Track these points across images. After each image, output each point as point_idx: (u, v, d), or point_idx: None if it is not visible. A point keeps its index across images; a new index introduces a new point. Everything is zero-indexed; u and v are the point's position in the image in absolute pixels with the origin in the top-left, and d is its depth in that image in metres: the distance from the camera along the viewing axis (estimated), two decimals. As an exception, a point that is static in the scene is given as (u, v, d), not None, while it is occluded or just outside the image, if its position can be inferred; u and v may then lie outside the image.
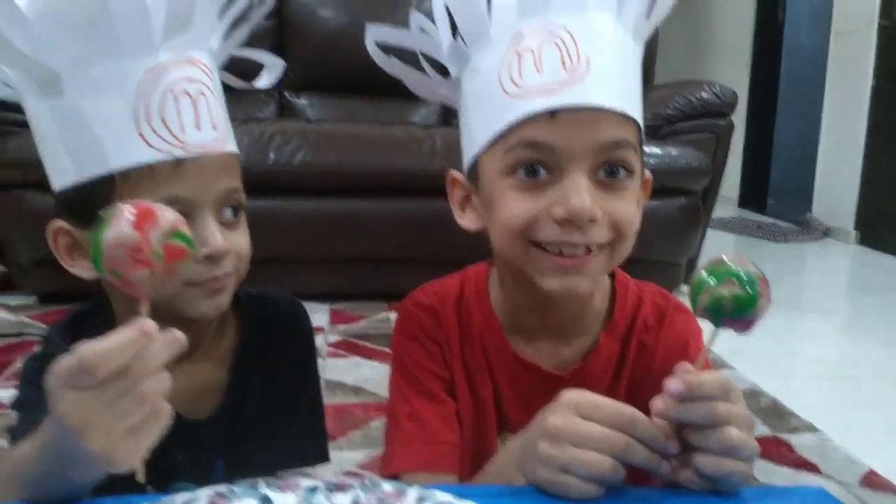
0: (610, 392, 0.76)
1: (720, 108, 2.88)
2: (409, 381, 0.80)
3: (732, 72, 5.40)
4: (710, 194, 2.89)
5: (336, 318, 2.53)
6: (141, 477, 0.52)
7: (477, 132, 0.72)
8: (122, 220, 0.50)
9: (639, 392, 0.77)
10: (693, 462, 0.57)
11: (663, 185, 2.68)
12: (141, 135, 0.67)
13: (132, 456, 0.50)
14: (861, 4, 4.28)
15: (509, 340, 0.80)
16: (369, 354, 2.20)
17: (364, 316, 2.58)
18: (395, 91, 3.50)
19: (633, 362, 0.78)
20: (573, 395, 0.60)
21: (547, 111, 0.66)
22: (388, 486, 0.55)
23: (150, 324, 0.49)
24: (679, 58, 5.34)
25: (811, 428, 1.80)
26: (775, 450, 1.69)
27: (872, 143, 4.23)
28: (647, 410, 0.58)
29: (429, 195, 2.62)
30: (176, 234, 0.52)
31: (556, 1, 0.68)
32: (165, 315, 0.72)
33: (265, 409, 0.82)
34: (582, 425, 0.57)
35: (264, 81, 0.87)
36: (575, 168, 0.67)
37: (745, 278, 0.56)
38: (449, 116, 3.45)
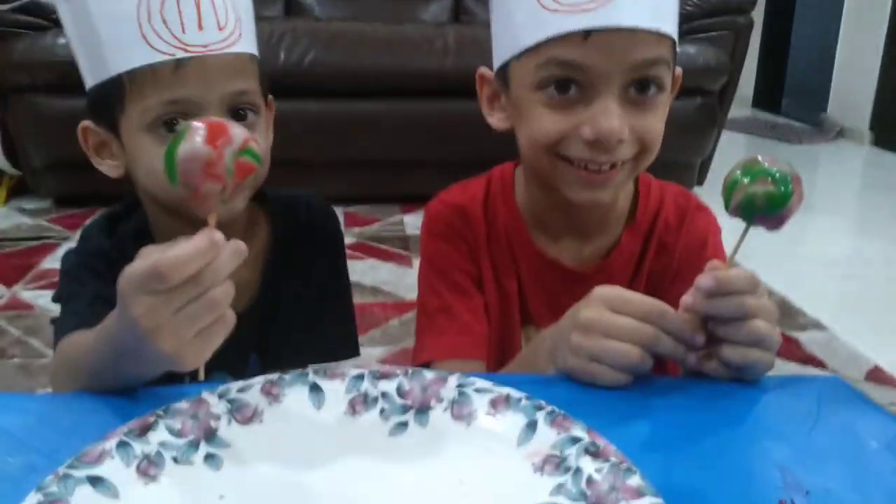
0: (629, 288, 0.78)
1: (740, 5, 2.81)
2: (439, 276, 0.83)
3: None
4: (726, 94, 2.85)
5: (350, 221, 2.56)
6: (201, 376, 0.55)
7: (510, 38, 0.71)
8: (195, 134, 0.51)
9: (657, 287, 0.79)
10: (720, 353, 0.59)
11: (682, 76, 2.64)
12: (143, 36, 0.68)
13: (198, 358, 0.52)
14: None
15: (533, 238, 0.81)
16: (386, 257, 2.23)
17: (378, 219, 2.60)
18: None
19: (653, 260, 0.81)
20: (605, 290, 0.62)
21: (581, 31, 0.66)
22: (429, 374, 0.58)
23: (218, 234, 0.50)
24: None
25: (818, 325, 1.85)
26: (783, 346, 1.72)
27: (891, 44, 4.12)
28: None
29: (441, 95, 2.60)
30: (246, 150, 0.52)
31: None
32: (184, 216, 0.74)
33: (297, 305, 0.85)
34: (613, 317, 0.59)
35: None
36: (606, 89, 0.67)
37: (778, 176, 0.56)
38: (460, 13, 3.36)
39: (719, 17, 2.78)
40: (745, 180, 0.57)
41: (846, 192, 3.48)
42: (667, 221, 0.81)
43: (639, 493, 0.44)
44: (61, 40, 2.44)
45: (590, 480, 0.47)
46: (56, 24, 2.56)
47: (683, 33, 2.77)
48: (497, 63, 0.75)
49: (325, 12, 3.08)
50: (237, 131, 0.52)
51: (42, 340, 1.68)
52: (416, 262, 2.17)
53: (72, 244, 2.39)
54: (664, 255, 0.80)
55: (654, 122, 0.70)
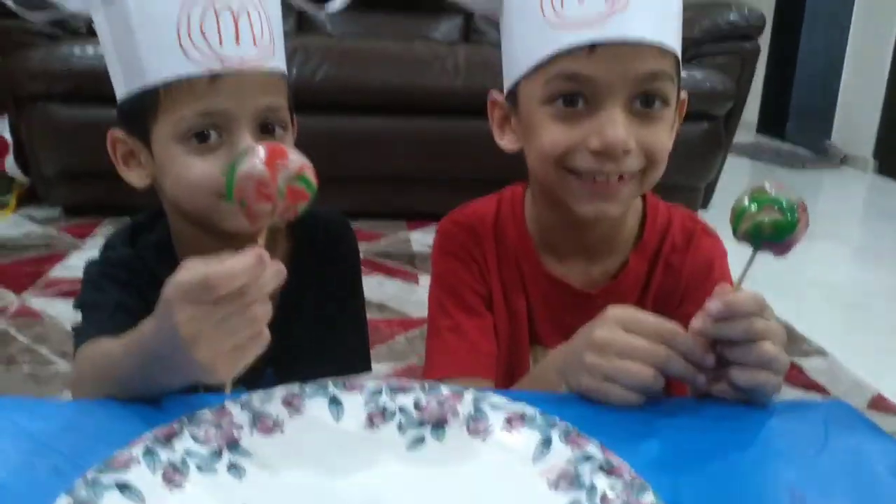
0: (637, 305, 0.80)
1: (747, 31, 2.84)
2: (450, 295, 0.84)
3: (759, -7, 5.27)
4: (732, 119, 2.87)
5: (357, 236, 2.57)
6: (227, 389, 0.57)
7: (518, 58, 0.74)
8: (255, 155, 0.53)
9: (664, 309, 0.80)
10: (729, 375, 0.61)
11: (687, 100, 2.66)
12: (181, 46, 0.69)
13: (231, 370, 0.54)
14: (897, -77, 4.14)
15: (542, 259, 0.83)
16: (392, 273, 2.25)
17: (384, 234, 2.62)
18: (416, 5, 3.48)
19: (660, 281, 0.82)
20: (618, 311, 0.63)
21: (587, 44, 0.68)
22: (446, 389, 0.59)
23: (265, 253, 0.52)
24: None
25: (821, 352, 1.86)
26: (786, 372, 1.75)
27: (897, 71, 4.16)
28: None
29: (451, 113, 2.63)
30: (301, 177, 0.54)
31: None
32: (208, 228, 0.76)
33: (314, 320, 0.86)
34: (627, 337, 0.61)
35: (336, 5, 0.88)
36: (612, 100, 0.69)
37: (784, 205, 0.58)
38: (470, 32, 3.40)
39: (726, 43, 2.81)
40: (753, 208, 0.58)
41: (850, 219, 3.50)
42: (674, 243, 0.82)
43: (651, 510, 0.46)
44: (77, 50, 2.47)
45: (604, 497, 0.48)
46: (73, 34, 2.60)
47: (691, 58, 2.81)
48: (507, 85, 0.77)
49: (337, 29, 3.12)
50: (295, 157, 0.54)
51: (51, 348, 1.69)
52: (423, 279, 2.20)
53: (80, 252, 2.40)
54: (671, 276, 0.82)
55: (660, 136, 0.72)
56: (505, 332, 0.85)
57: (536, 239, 0.84)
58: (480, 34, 3.35)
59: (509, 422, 0.56)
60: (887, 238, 3.09)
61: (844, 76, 4.64)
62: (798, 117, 5.48)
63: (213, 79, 0.70)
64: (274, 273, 0.53)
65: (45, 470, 0.50)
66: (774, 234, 0.58)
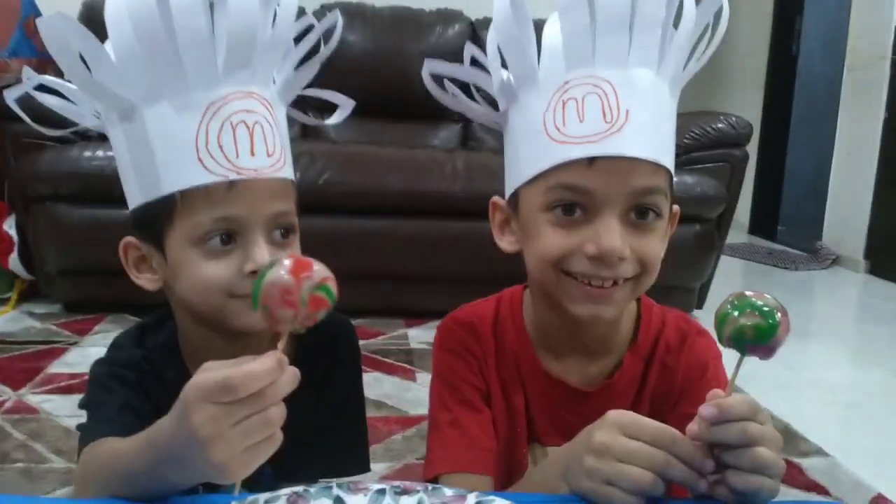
0: (633, 408, 0.81)
1: (735, 139, 2.94)
2: (450, 390, 0.86)
3: (746, 102, 5.47)
4: (724, 222, 2.94)
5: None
6: (237, 490, 0.58)
7: (520, 167, 0.78)
8: (282, 265, 0.56)
9: (660, 409, 0.83)
10: (726, 479, 0.62)
11: (679, 212, 2.74)
12: (200, 159, 0.73)
13: (244, 471, 0.55)
14: (874, 39, 4.34)
15: (539, 357, 0.85)
16: (389, 370, 2.25)
17: (382, 332, 2.63)
18: (416, 114, 3.62)
19: (656, 381, 0.84)
20: (618, 415, 0.65)
21: (586, 158, 0.73)
22: (449, 492, 0.60)
23: (284, 357, 0.55)
24: (695, 88, 5.39)
25: (821, 452, 1.85)
26: (786, 472, 1.73)
27: (883, 175, 4.28)
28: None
29: (449, 216, 2.70)
30: (323, 287, 0.57)
31: (602, 56, 0.74)
32: (217, 327, 0.78)
33: (313, 419, 0.87)
34: (626, 442, 0.62)
35: (336, 118, 0.93)
36: (608, 210, 0.73)
37: (765, 310, 0.61)
38: (468, 140, 3.52)
39: (716, 150, 2.91)
40: (735, 314, 0.61)
41: (844, 320, 3.52)
42: (668, 344, 0.85)
43: None
44: (86, 153, 2.55)
45: None
46: (82, 137, 2.69)
47: (682, 164, 2.90)
48: (508, 190, 0.81)
49: (341, 135, 3.23)
50: (318, 269, 0.57)
51: (46, 445, 1.68)
52: (420, 376, 2.21)
53: (79, 349, 2.41)
54: (666, 376, 0.84)
55: (653, 245, 0.76)
56: (503, 430, 0.86)
57: (534, 338, 0.86)
58: (478, 141, 3.47)
59: (511, 525, 0.57)
60: (881, 339, 3.11)
61: (832, 180, 4.76)
62: (789, 219, 5.59)
63: (230, 187, 0.74)
64: (290, 377, 0.55)
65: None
66: (757, 337, 0.61)
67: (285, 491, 0.59)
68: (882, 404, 2.29)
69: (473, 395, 0.86)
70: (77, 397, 1.92)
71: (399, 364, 2.30)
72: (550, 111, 0.75)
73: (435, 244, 2.70)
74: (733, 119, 2.95)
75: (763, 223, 5.59)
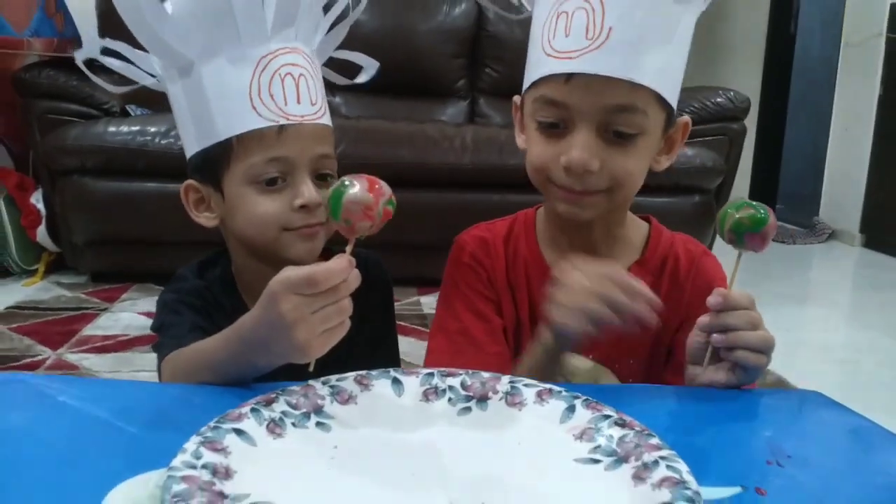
0: None
1: (734, 113, 3.05)
2: (460, 299, 0.93)
3: (745, 79, 5.55)
4: (722, 193, 3.05)
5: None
6: (311, 367, 0.69)
7: (525, 73, 0.86)
8: (359, 184, 0.66)
9: (668, 325, 0.88)
10: (735, 357, 0.72)
11: (678, 183, 2.85)
12: (254, 107, 0.84)
13: (321, 350, 0.66)
14: (870, 17, 4.44)
15: (549, 264, 0.92)
16: (405, 332, 2.37)
17: (398, 299, 2.71)
18: (425, 91, 3.69)
19: (664, 297, 0.89)
20: (574, 259, 0.76)
21: (564, 74, 0.79)
22: (486, 374, 0.72)
23: (352, 259, 0.66)
24: (695, 64, 5.47)
25: (814, 403, 1.96)
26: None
27: (878, 151, 4.39)
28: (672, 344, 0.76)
29: (458, 188, 2.81)
30: (390, 201, 0.68)
31: None
32: (270, 259, 0.89)
33: (352, 345, 0.98)
34: (576, 273, 0.75)
35: (362, 78, 1.04)
36: (583, 125, 0.79)
37: (756, 205, 0.74)
38: (475, 116, 3.62)
39: (715, 124, 3.01)
40: (732, 210, 0.74)
41: (838, 288, 3.64)
42: (676, 263, 0.92)
43: (658, 448, 0.58)
44: (111, 128, 2.66)
45: (620, 441, 0.61)
46: (107, 114, 2.80)
47: (682, 136, 3.01)
48: (523, 91, 0.89)
49: (353, 111, 3.33)
50: (385, 185, 0.68)
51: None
52: (435, 337, 2.30)
53: (109, 314, 2.52)
54: (674, 292, 0.90)
55: (627, 163, 0.81)
56: (512, 339, 0.93)
57: (545, 249, 0.94)
58: (484, 117, 3.57)
59: (540, 395, 0.69)
60: (875, 305, 3.23)
61: (829, 156, 4.87)
62: (787, 196, 5.69)
63: (280, 131, 0.85)
64: (356, 276, 0.67)
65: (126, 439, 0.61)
66: (752, 225, 0.72)
67: (351, 373, 0.71)
68: (872, 361, 2.41)
69: (484, 305, 0.92)
70: (113, 356, 2.05)
71: (414, 327, 2.42)
72: (547, 23, 0.81)
73: (445, 215, 2.80)
74: (732, 93, 3.05)
75: (762, 200, 5.65)
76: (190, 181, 0.93)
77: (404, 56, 3.34)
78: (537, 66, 0.83)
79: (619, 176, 0.82)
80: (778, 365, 2.15)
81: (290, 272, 0.66)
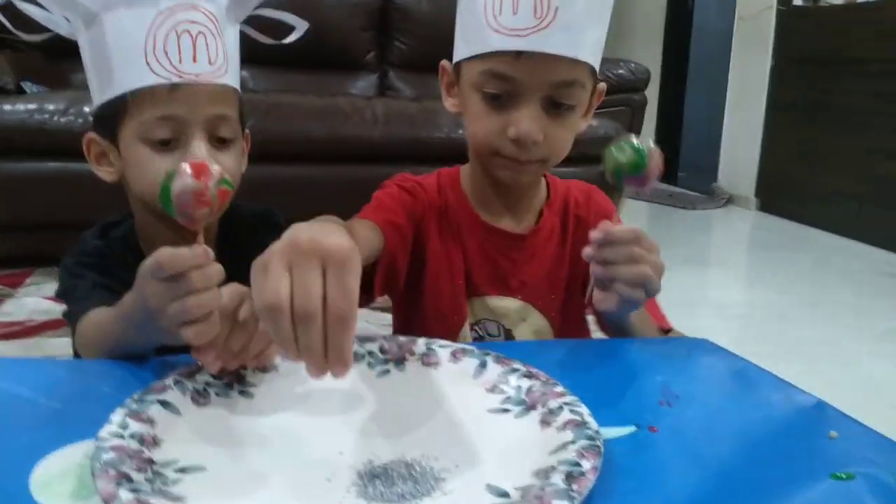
0: (558, 255, 0.98)
1: (635, 84, 3.16)
2: (376, 209, 0.93)
3: (646, 53, 5.74)
4: (626, 162, 3.17)
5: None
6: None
7: (462, 42, 0.89)
8: (185, 173, 0.65)
9: (579, 262, 0.93)
10: (614, 288, 0.75)
11: (584, 153, 2.92)
12: (147, 63, 0.83)
13: (193, 339, 0.65)
14: (761, -10, 4.66)
15: (477, 212, 0.97)
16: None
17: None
18: (335, 64, 3.63)
19: (573, 233, 0.99)
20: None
21: (514, 52, 0.83)
22: (402, 338, 0.76)
23: (209, 249, 0.65)
24: (597, 37, 5.61)
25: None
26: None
27: (771, 119, 4.64)
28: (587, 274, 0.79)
29: (371, 161, 2.82)
30: (223, 180, 0.66)
31: None
32: (166, 221, 0.86)
33: None
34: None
35: (292, 38, 1.03)
36: (530, 99, 0.84)
37: (637, 147, 0.76)
38: (385, 89, 3.63)
39: (617, 95, 3.12)
40: (615, 154, 0.76)
41: (735, 250, 3.86)
42: (576, 199, 1.01)
43: (562, 395, 0.63)
44: (6, 106, 2.54)
45: (528, 391, 0.65)
46: (18, 91, 2.67)
47: (587, 108, 3.10)
48: (454, 59, 0.92)
49: (260, 85, 3.28)
50: (215, 167, 0.66)
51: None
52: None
53: (13, 300, 2.41)
54: (580, 225, 0.99)
55: (564, 133, 0.88)
56: (446, 283, 0.96)
57: (472, 199, 0.98)
58: (395, 90, 3.58)
59: (454, 355, 0.73)
60: (768, 264, 3.44)
61: (725, 125, 5.11)
62: (688, 164, 5.95)
63: (172, 89, 0.83)
64: (217, 269, 0.66)
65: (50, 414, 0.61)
66: (631, 169, 0.76)
67: (271, 343, 0.73)
68: (763, 315, 2.58)
69: (401, 218, 0.92)
70: (19, 342, 1.98)
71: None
72: (491, 0, 0.84)
73: (357, 188, 2.79)
74: (633, 65, 3.16)
75: (665, 169, 5.91)
76: (91, 134, 0.92)
77: (312, 29, 3.25)
78: (482, 38, 0.85)
79: (557, 146, 0.89)
80: (683, 324, 2.29)
81: (149, 257, 0.65)
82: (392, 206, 0.94)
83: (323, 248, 0.52)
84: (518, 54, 0.83)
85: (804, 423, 0.61)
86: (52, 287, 2.44)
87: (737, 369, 0.74)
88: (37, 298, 2.37)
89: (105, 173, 0.93)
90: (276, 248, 0.53)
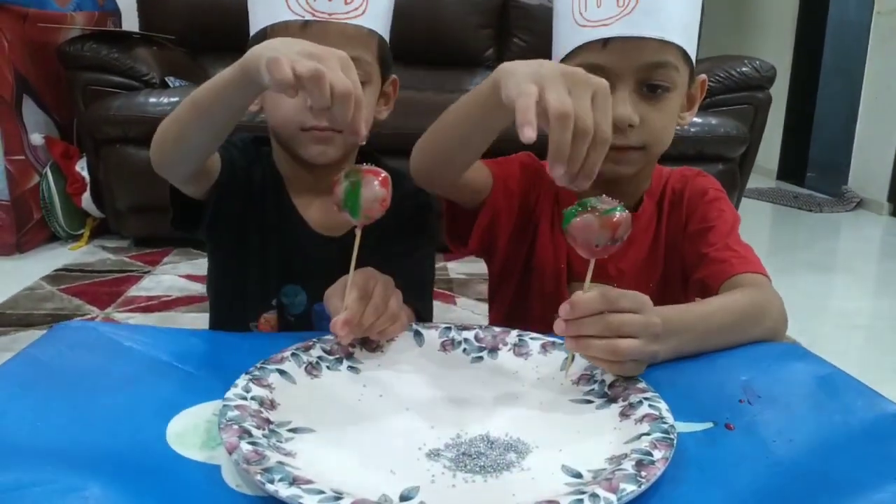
0: (654, 240, 1.00)
1: (759, 82, 3.06)
2: (499, 164, 0.99)
3: (775, 49, 5.51)
4: (746, 162, 3.08)
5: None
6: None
7: (556, 46, 0.94)
8: (373, 180, 0.72)
9: (675, 237, 0.99)
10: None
11: (702, 151, 2.88)
12: (286, 1, 0.88)
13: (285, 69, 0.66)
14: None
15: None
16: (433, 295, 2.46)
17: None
18: (452, 62, 3.72)
19: (668, 216, 1.01)
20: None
21: (601, 40, 0.87)
22: (497, 329, 0.81)
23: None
24: (723, 34, 5.46)
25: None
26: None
27: (910, 120, 4.35)
28: (682, 259, 0.83)
29: (485, 156, 2.87)
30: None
31: None
32: (294, 155, 0.94)
33: (388, 246, 0.95)
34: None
35: None
36: (622, 84, 0.88)
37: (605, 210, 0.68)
38: (502, 85, 3.67)
39: (740, 93, 3.04)
40: (572, 214, 0.69)
41: (864, 257, 3.66)
42: (673, 188, 1.02)
43: (643, 391, 0.67)
44: (151, 99, 2.77)
45: (611, 385, 0.69)
46: (146, 84, 2.90)
47: (707, 106, 3.03)
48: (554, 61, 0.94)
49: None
50: (384, 171, 0.73)
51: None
52: (459, 300, 2.40)
53: (152, 276, 2.63)
54: (675, 209, 1.01)
55: (661, 118, 0.90)
56: (550, 266, 1.00)
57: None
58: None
59: (544, 347, 0.78)
60: (898, 274, 3.25)
61: (859, 126, 4.83)
62: (818, 164, 5.67)
63: (304, 25, 0.87)
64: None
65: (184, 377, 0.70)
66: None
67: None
68: (890, 327, 2.46)
69: (511, 181, 0.98)
70: (157, 315, 2.16)
71: (441, 290, 2.52)
72: (577, 1, 0.88)
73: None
74: (757, 62, 3.06)
75: (792, 169, 5.66)
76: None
77: (432, 27, 3.40)
78: (571, 37, 0.89)
79: (655, 131, 0.90)
80: (796, 331, 2.21)
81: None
82: (512, 171, 0.99)
83: (594, 82, 0.63)
84: (605, 43, 0.87)
85: (884, 430, 0.62)
86: (186, 267, 2.66)
87: (823, 374, 0.74)
88: (173, 276, 2.58)
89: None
90: (550, 72, 0.64)
